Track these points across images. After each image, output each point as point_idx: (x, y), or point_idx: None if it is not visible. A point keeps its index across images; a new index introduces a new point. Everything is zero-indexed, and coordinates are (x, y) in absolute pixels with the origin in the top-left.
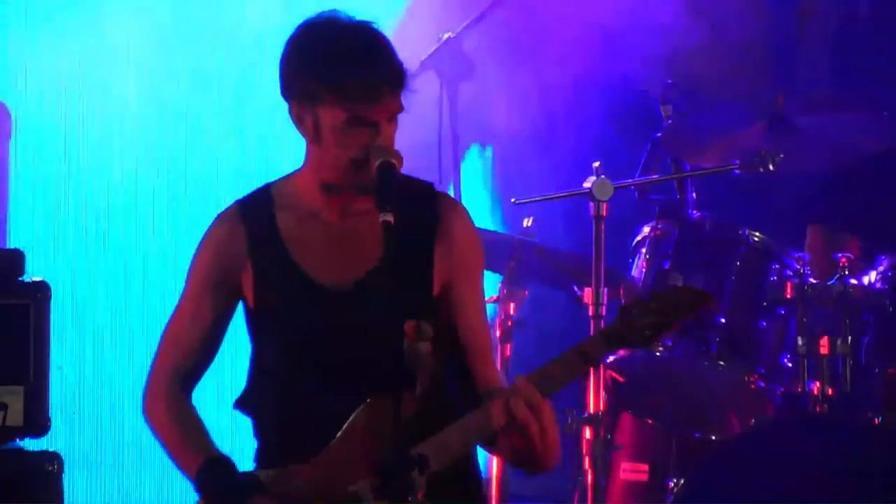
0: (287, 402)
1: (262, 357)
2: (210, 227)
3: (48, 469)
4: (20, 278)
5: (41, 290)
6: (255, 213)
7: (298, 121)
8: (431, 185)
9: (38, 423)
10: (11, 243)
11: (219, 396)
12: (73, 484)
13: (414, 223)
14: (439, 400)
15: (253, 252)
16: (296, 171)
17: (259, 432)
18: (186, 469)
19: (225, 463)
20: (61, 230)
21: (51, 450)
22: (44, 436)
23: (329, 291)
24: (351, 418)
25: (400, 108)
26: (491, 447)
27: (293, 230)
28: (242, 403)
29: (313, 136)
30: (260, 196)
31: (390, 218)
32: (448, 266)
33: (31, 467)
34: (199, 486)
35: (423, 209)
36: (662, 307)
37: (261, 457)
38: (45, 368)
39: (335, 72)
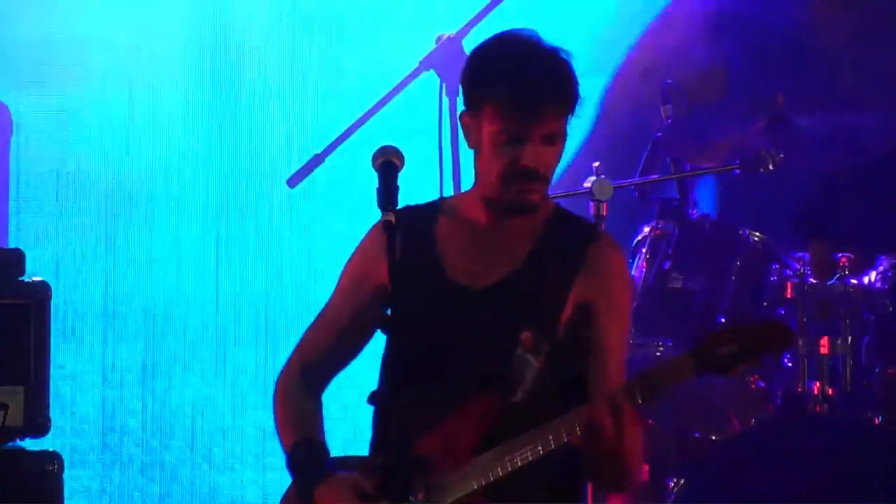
0: (408, 394)
1: (392, 350)
2: (370, 229)
3: (48, 469)
4: (20, 278)
5: (41, 290)
6: (415, 216)
7: (465, 129)
8: (593, 224)
9: (38, 423)
10: (11, 242)
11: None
12: (74, 484)
13: (561, 249)
14: (537, 418)
15: (402, 251)
16: (470, 188)
17: (378, 426)
18: (284, 446)
19: (317, 445)
20: (62, 229)
21: (51, 450)
22: (44, 436)
23: (463, 290)
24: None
25: (557, 131)
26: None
27: (448, 235)
28: (373, 398)
29: (474, 145)
30: (430, 204)
31: (391, 218)
32: (589, 299)
33: (31, 467)
34: (289, 464)
35: (576, 240)
36: (749, 338)
37: (376, 448)
38: (45, 368)
39: (498, 83)
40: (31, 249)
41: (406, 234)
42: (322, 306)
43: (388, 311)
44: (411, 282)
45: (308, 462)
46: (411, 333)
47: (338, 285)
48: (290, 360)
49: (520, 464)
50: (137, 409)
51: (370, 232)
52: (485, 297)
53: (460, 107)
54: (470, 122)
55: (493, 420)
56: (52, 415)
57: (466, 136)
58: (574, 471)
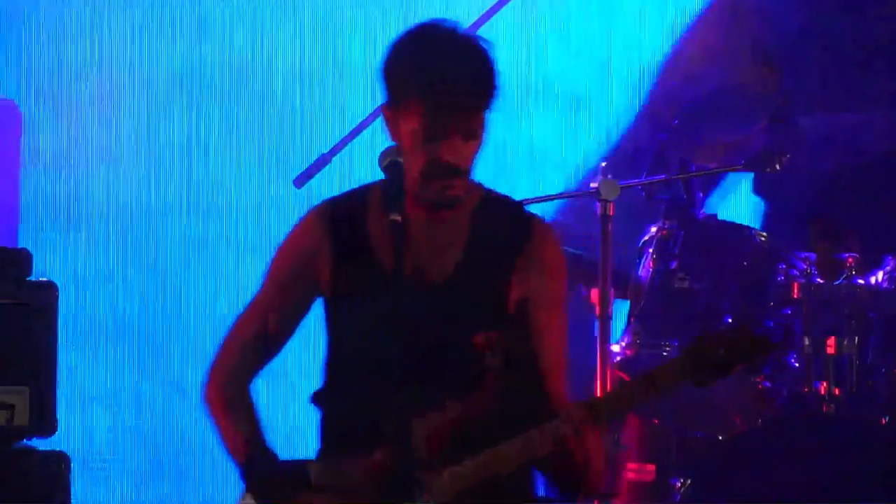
0: (348, 399)
1: (330, 352)
2: (298, 220)
3: (55, 469)
4: (28, 279)
5: (48, 291)
6: (345, 210)
7: (385, 122)
8: (521, 204)
9: (45, 423)
10: (20, 242)
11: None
12: (81, 484)
13: (497, 236)
14: (499, 415)
15: (336, 247)
16: None
17: (324, 427)
18: (234, 455)
19: (270, 452)
20: (69, 229)
21: (58, 450)
22: (51, 436)
23: (405, 291)
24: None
25: (476, 128)
26: (538, 466)
27: (378, 229)
28: (316, 398)
29: (395, 139)
30: (354, 194)
31: (398, 218)
32: (529, 284)
33: (38, 467)
34: (244, 474)
35: (509, 225)
36: (732, 346)
37: (321, 450)
38: (52, 368)
39: (417, 79)
40: (40, 249)
41: (338, 229)
42: (253, 295)
43: (326, 309)
44: (350, 280)
45: (268, 472)
46: (356, 334)
47: (267, 280)
48: (221, 355)
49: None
50: (144, 409)
51: (302, 224)
52: (431, 295)
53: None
54: (390, 115)
55: (459, 423)
56: (58, 415)
57: (386, 129)
58: (528, 470)
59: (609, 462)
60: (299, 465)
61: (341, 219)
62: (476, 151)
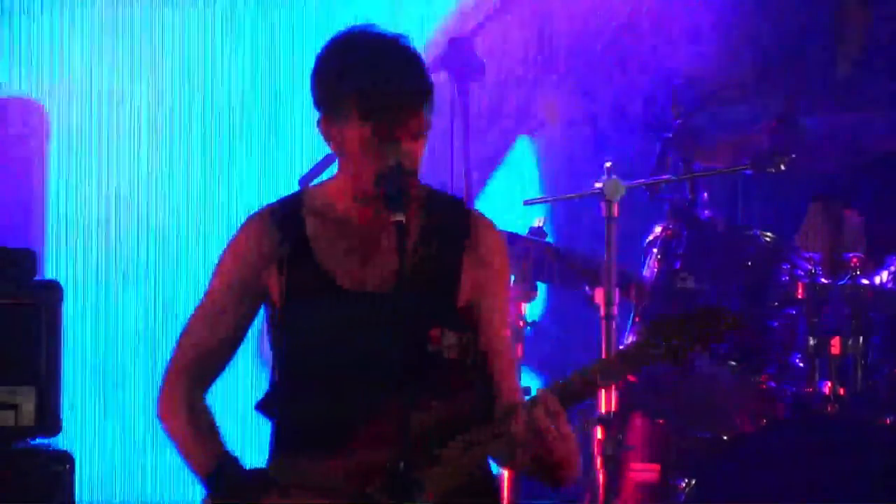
0: (306, 405)
1: (283, 360)
2: (239, 228)
3: (59, 469)
4: (33, 279)
5: (53, 291)
6: (286, 217)
7: (326, 134)
8: (462, 200)
9: (49, 422)
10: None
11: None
12: (84, 484)
13: (443, 234)
14: (461, 409)
15: (280, 254)
16: (329, 179)
17: (277, 435)
18: (197, 469)
19: (234, 462)
20: (77, 231)
21: (62, 449)
22: (55, 436)
23: (353, 296)
24: (368, 422)
25: (424, 127)
26: (507, 461)
27: (321, 235)
28: (263, 406)
29: (339, 149)
30: (292, 201)
31: (401, 218)
32: (476, 278)
33: (42, 467)
34: (210, 486)
35: (454, 222)
36: (692, 327)
37: (276, 458)
38: (57, 368)
39: (359, 88)
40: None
41: (281, 236)
42: (198, 304)
43: (269, 315)
44: (297, 290)
45: (234, 483)
46: (308, 344)
47: (214, 288)
48: (173, 368)
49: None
50: (149, 409)
51: (244, 231)
52: (379, 301)
53: (472, 106)
54: (331, 128)
55: (423, 424)
56: (62, 414)
57: (328, 142)
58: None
59: (613, 462)
60: (263, 473)
61: (282, 224)
62: (422, 151)
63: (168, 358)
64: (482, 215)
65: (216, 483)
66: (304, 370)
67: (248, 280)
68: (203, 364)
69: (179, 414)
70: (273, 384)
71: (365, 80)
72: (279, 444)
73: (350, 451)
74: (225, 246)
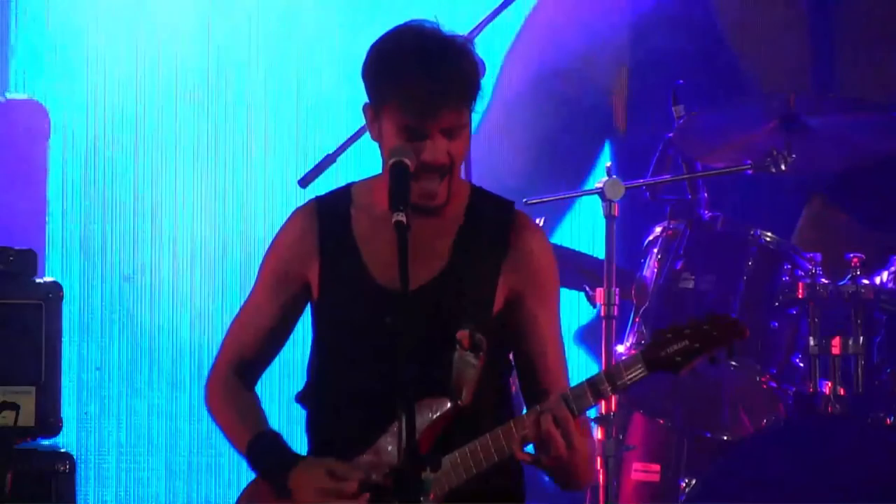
0: (340, 399)
1: (321, 353)
2: (286, 220)
3: (60, 469)
4: (33, 279)
5: (53, 291)
6: (332, 210)
7: (369, 124)
8: (512, 203)
9: (49, 423)
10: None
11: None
12: (85, 484)
13: (483, 235)
14: (481, 414)
15: (324, 247)
16: (377, 175)
17: (311, 427)
18: (239, 446)
19: (275, 437)
20: (78, 231)
21: (62, 450)
22: (56, 436)
23: (391, 294)
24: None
25: (456, 124)
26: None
27: (365, 231)
28: (302, 398)
29: (376, 139)
30: (339, 194)
31: (402, 218)
32: (516, 281)
33: (42, 467)
34: (252, 461)
35: (496, 223)
36: (696, 334)
37: (310, 452)
38: (57, 369)
39: (396, 80)
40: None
41: (325, 230)
42: (247, 297)
43: (311, 307)
44: (336, 283)
45: (272, 452)
46: (341, 338)
47: (259, 280)
48: (218, 362)
49: (478, 471)
50: (149, 409)
51: (290, 224)
52: (414, 301)
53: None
54: (372, 115)
55: (442, 424)
56: (63, 414)
57: (369, 129)
58: (517, 471)
59: (615, 462)
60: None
61: (327, 218)
62: (462, 150)
63: (218, 348)
64: (527, 218)
65: (256, 459)
66: (337, 365)
67: (292, 271)
68: (247, 355)
69: (221, 401)
70: (310, 376)
71: (404, 75)
72: (312, 437)
73: (375, 447)
74: (273, 238)
